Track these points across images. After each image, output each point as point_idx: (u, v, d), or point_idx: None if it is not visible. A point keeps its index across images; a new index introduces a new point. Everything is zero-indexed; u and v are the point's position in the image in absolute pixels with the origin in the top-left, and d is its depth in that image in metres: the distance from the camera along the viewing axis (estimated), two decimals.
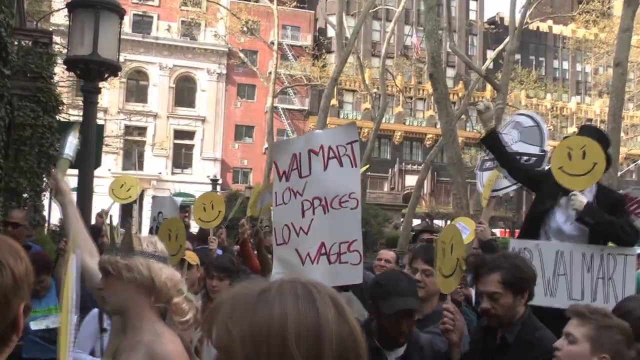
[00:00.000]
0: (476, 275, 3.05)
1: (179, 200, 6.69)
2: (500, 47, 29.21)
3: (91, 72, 5.74)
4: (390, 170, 47.93)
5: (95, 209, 6.24)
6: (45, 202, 13.18)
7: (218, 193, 30.62)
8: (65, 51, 12.68)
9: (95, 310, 3.91)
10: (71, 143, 3.19)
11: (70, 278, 2.47)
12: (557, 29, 53.98)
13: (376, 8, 34.72)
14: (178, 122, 45.76)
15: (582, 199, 3.82)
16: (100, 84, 6.17)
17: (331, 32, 39.56)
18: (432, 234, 6.07)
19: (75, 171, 6.12)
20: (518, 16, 22.78)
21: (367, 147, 27.14)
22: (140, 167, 42.59)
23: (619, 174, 21.61)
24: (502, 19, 49.36)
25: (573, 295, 3.71)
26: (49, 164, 10.37)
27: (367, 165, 16.34)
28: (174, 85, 45.93)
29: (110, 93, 38.85)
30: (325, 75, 36.40)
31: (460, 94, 45.79)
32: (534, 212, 4.34)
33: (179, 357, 2.30)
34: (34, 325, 4.36)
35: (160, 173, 43.96)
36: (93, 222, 6.43)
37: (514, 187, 5.06)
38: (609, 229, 3.84)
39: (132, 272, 2.35)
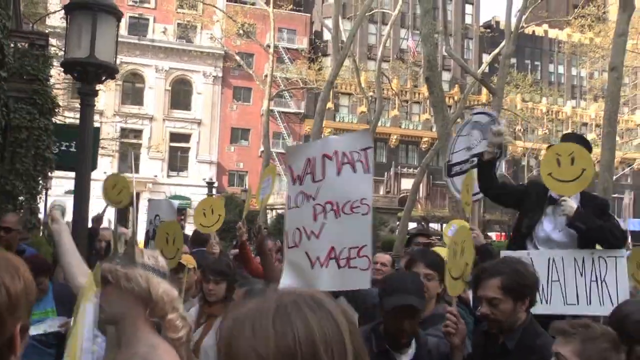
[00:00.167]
0: (476, 279, 3.01)
1: (176, 203, 6.66)
2: (496, 51, 29.25)
3: (88, 74, 5.72)
4: (386, 173, 47.97)
5: (92, 212, 6.21)
6: (41, 205, 13.14)
7: (215, 196, 30.63)
8: (61, 53, 12.67)
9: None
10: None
11: (81, 327, 2.45)
12: (553, 33, 54.17)
13: (372, 11, 34.81)
14: (174, 125, 45.74)
15: (572, 204, 3.83)
16: (97, 87, 6.15)
17: (327, 35, 39.61)
18: (427, 237, 6.07)
19: (72, 174, 6.10)
20: (514, 20, 22.83)
21: None
22: (136, 170, 42.51)
23: (614, 177, 21.66)
24: (497, 22, 49.54)
25: (568, 301, 3.71)
26: (45, 167, 10.35)
27: None
28: (169, 88, 45.91)
29: (106, 96, 38.80)
30: (321, 79, 36.44)
31: (456, 98, 45.91)
32: (522, 227, 4.30)
33: None
34: (32, 330, 4.34)
35: (155, 176, 43.91)
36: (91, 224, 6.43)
37: None
38: (599, 234, 3.85)
39: (130, 282, 2.36)
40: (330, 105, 41.04)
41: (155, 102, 44.99)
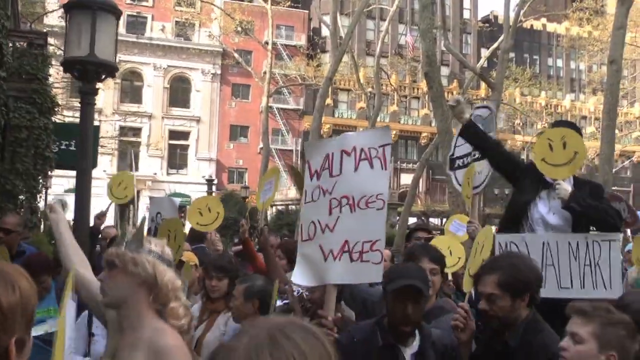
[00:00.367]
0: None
1: (177, 200, 6.66)
2: (495, 45, 29.24)
3: (88, 73, 5.72)
4: None
5: (93, 210, 6.21)
6: (42, 204, 13.14)
7: (214, 194, 30.63)
8: (59, 52, 12.65)
9: (85, 313, 3.91)
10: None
11: (65, 323, 2.47)
12: (551, 27, 54.11)
13: (370, 7, 34.71)
14: (173, 123, 45.71)
15: (567, 186, 3.85)
16: (97, 85, 6.15)
17: (325, 32, 39.65)
18: (428, 232, 6.07)
19: (72, 172, 6.11)
20: (512, 14, 22.81)
21: None
22: (136, 168, 42.47)
23: (614, 170, 21.67)
24: (496, 17, 49.50)
25: (562, 285, 3.72)
26: (45, 166, 10.36)
27: None
28: (168, 86, 45.87)
29: (105, 94, 38.73)
30: (320, 75, 36.42)
31: (455, 92, 45.83)
32: (515, 204, 4.34)
33: (181, 350, 2.31)
34: (33, 331, 4.32)
35: (155, 174, 43.88)
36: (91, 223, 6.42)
37: (487, 180, 4.95)
38: (595, 214, 3.86)
39: (137, 266, 2.39)
40: (329, 101, 41.01)
41: (154, 100, 44.95)
